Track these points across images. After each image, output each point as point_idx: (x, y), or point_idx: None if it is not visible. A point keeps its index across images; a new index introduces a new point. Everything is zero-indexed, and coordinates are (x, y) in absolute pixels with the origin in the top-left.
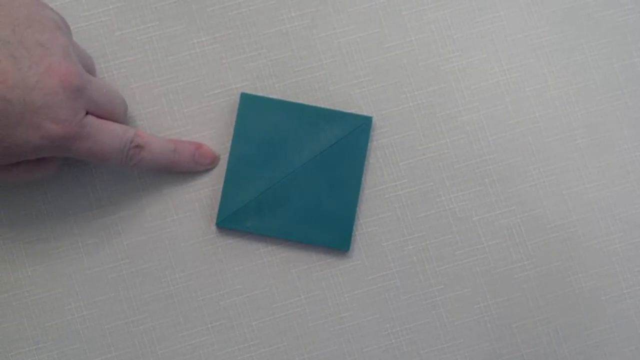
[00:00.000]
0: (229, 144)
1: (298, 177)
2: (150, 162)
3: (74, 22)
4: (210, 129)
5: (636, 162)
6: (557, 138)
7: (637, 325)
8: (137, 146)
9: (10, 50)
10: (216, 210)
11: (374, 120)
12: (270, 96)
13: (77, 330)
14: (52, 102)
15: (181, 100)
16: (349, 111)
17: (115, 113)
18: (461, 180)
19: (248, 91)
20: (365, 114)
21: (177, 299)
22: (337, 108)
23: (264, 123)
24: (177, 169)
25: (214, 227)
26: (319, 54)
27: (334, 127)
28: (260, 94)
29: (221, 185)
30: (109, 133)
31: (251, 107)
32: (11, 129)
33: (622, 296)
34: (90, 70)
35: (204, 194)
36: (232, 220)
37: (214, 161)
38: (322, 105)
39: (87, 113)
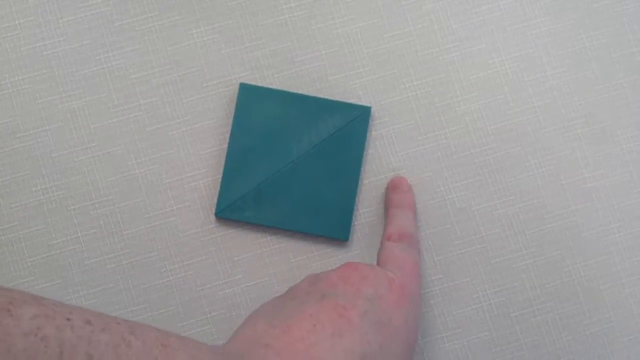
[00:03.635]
0: (228, 134)
1: (297, 167)
2: None
3: (73, 12)
4: (209, 119)
5: (635, 152)
6: (555, 128)
7: (636, 315)
8: None
9: None
10: (215, 201)
11: (373, 110)
12: (270, 86)
13: None
14: None
15: (180, 91)
16: (348, 101)
17: None
18: (460, 170)
19: (247, 81)
20: (364, 104)
21: (177, 289)
22: (336, 98)
23: (263, 113)
24: None
25: (213, 217)
26: (318, 44)
27: (333, 117)
28: (259, 84)
29: (220, 176)
30: None
31: (250, 97)
32: None
33: (621, 286)
34: None
35: (203, 184)
36: (231, 210)
37: None
38: (321, 96)
39: None
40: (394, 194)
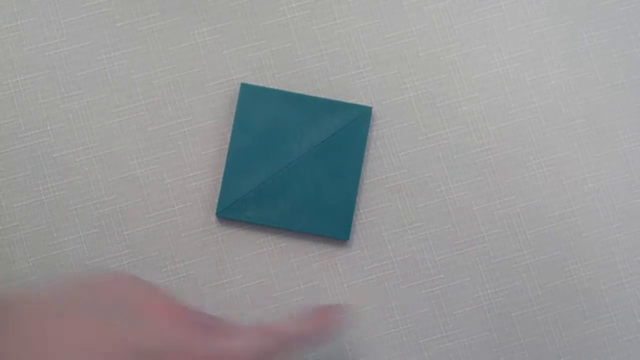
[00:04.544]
0: (229, 135)
1: (298, 167)
2: None
3: (75, 12)
4: (210, 119)
5: (635, 152)
6: (557, 128)
7: (636, 315)
8: None
9: None
10: (216, 201)
11: (373, 110)
12: (271, 86)
13: None
14: None
15: (182, 91)
16: (349, 101)
17: None
18: (461, 170)
19: (248, 82)
20: (365, 104)
21: (178, 288)
22: (337, 98)
23: (264, 113)
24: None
25: (214, 217)
26: (319, 44)
27: (334, 117)
28: (260, 84)
29: (221, 176)
30: None
31: (251, 97)
32: None
33: (621, 285)
34: None
35: (204, 184)
36: (232, 210)
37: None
38: (322, 96)
39: None
40: (319, 318)
